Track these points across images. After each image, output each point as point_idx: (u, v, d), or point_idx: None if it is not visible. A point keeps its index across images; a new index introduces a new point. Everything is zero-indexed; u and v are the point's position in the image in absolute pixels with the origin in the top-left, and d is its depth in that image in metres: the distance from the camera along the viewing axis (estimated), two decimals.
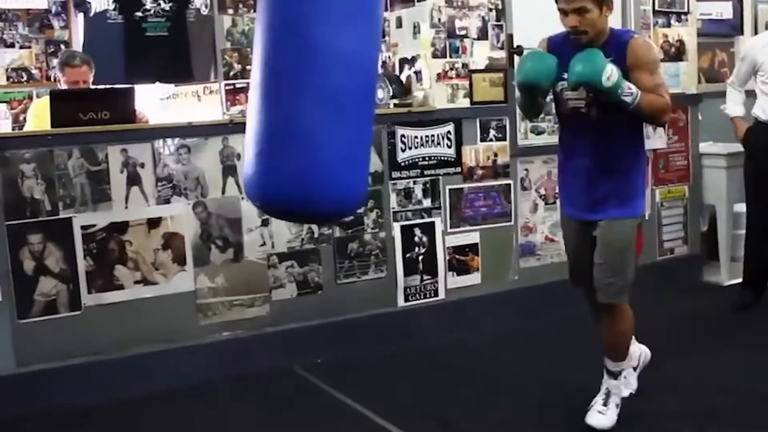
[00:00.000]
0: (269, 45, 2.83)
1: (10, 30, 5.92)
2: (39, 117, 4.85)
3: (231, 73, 6.09)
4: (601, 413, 3.69)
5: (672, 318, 5.34)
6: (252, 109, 2.89)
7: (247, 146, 2.91)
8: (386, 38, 5.71)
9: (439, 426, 3.83)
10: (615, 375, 3.76)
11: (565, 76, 3.43)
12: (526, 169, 5.44)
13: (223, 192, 4.56)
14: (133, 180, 4.36)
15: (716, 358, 4.55)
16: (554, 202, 5.52)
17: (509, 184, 5.35)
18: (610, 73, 3.27)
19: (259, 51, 2.86)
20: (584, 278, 3.72)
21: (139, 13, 6.15)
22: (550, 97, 3.71)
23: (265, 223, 4.63)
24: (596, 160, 3.56)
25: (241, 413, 4.08)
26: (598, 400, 3.74)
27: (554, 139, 5.50)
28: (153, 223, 4.41)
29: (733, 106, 5.52)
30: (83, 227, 4.25)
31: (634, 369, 3.96)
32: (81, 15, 6.02)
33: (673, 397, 4.01)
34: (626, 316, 3.71)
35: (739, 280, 5.68)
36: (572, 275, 3.84)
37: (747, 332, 4.96)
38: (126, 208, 4.35)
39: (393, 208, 4.99)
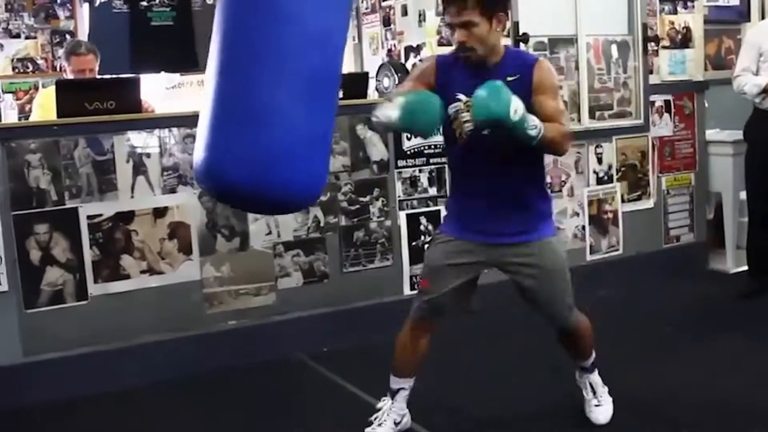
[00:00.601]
0: (234, 15, 2.70)
1: (16, 20, 5.94)
2: (45, 107, 4.86)
3: None
4: (600, 405, 3.67)
5: (677, 306, 5.34)
6: (209, 87, 2.73)
7: (201, 127, 2.74)
8: (392, 26, 5.71)
9: (447, 414, 3.83)
10: (590, 369, 3.70)
11: (461, 97, 3.00)
12: None
13: None
14: (139, 169, 4.37)
15: (722, 346, 4.55)
16: (560, 190, 5.53)
17: None
18: (517, 106, 2.96)
19: (223, 22, 2.72)
20: (444, 295, 3.43)
21: (145, 3, 6.16)
22: None
23: None
24: (500, 181, 3.30)
25: (248, 402, 4.09)
26: (589, 396, 3.70)
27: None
28: (159, 212, 4.41)
29: (754, 80, 5.31)
30: (89, 217, 4.26)
31: (396, 424, 3.57)
32: (86, 5, 6.03)
33: (678, 384, 4.01)
34: (584, 323, 3.60)
35: (745, 267, 5.68)
36: (433, 296, 3.44)
37: (753, 320, 4.96)
38: (132, 197, 4.35)
39: (399, 196, 4.99)
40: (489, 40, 3.19)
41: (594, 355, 3.70)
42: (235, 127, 2.65)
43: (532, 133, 3.01)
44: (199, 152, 2.74)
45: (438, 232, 3.55)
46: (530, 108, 3.09)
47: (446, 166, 5.00)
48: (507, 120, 2.93)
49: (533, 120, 3.02)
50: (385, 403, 3.57)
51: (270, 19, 2.63)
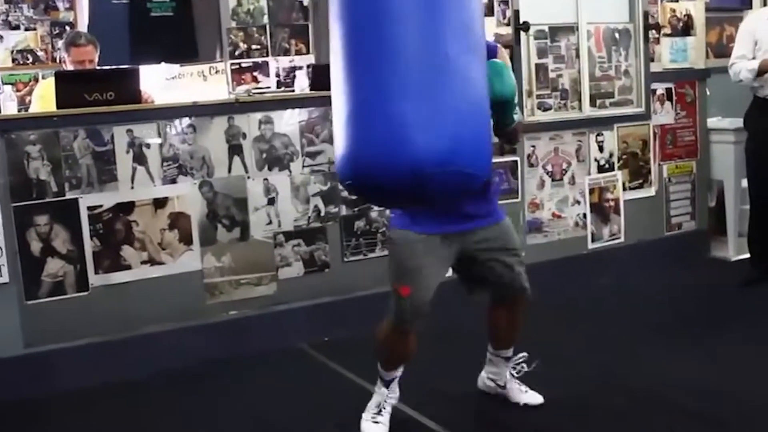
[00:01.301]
0: None
1: (15, 12, 5.92)
2: (44, 98, 4.85)
3: (236, 53, 6.08)
4: (528, 391, 3.74)
5: (679, 294, 5.34)
6: (368, 56, 2.45)
7: (374, 94, 2.41)
8: None
9: (446, 402, 3.84)
10: (512, 358, 3.74)
11: None
12: (533, 146, 5.43)
13: (229, 171, 4.56)
14: (139, 160, 4.37)
15: (723, 334, 4.55)
16: (561, 178, 5.52)
17: (516, 161, 5.33)
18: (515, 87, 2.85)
19: None
20: (430, 296, 3.35)
21: None
22: None
23: (271, 202, 4.64)
24: None
25: (249, 392, 4.09)
26: (516, 386, 3.74)
27: (561, 115, 5.52)
28: (159, 203, 4.42)
29: (748, 65, 5.31)
30: (90, 208, 4.26)
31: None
32: None
33: (678, 372, 4.01)
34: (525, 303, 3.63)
35: (747, 255, 5.68)
36: (421, 300, 3.32)
37: (753, 308, 4.95)
38: (132, 188, 4.35)
39: None
40: None
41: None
42: (425, 89, 2.39)
43: (516, 117, 2.92)
44: (358, 143, 2.46)
45: (405, 231, 3.30)
46: None
47: None
48: (512, 100, 2.83)
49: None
50: (380, 391, 3.58)
51: None
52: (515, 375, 3.75)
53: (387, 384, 3.57)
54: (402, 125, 2.39)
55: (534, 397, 3.72)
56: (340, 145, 2.57)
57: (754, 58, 5.28)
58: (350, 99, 2.51)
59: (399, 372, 3.57)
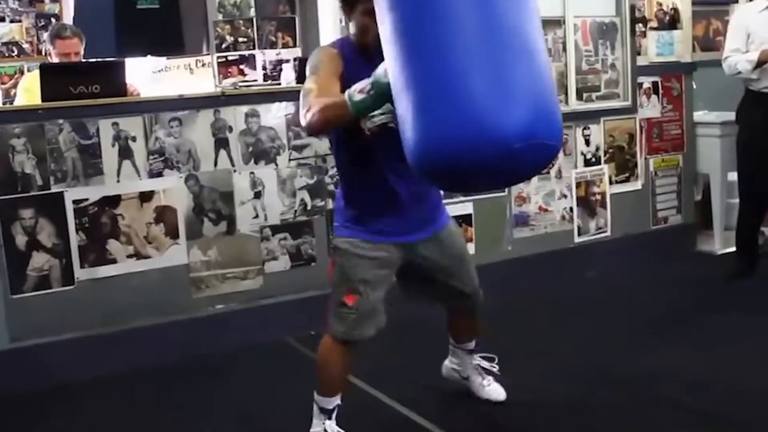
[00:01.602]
0: None
1: (0, 4, 5.89)
2: (29, 91, 4.83)
3: (223, 46, 6.06)
4: (491, 384, 3.72)
5: (665, 287, 5.35)
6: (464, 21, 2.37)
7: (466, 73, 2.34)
8: None
9: (433, 396, 3.84)
10: (476, 350, 3.72)
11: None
12: None
13: (216, 165, 4.55)
14: (125, 153, 4.35)
15: (708, 326, 4.57)
16: (547, 172, 5.51)
17: None
18: None
19: None
20: (376, 302, 3.24)
21: None
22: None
23: (257, 196, 4.63)
24: (405, 175, 2.95)
25: (235, 386, 4.09)
26: (477, 378, 3.73)
27: None
28: (145, 196, 4.40)
29: (746, 56, 5.24)
30: (75, 201, 4.24)
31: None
32: None
33: (664, 364, 4.02)
34: None
35: (733, 248, 5.69)
36: (367, 307, 3.21)
37: (740, 300, 4.97)
38: (118, 182, 4.34)
39: None
40: None
41: None
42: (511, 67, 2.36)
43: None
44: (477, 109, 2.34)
45: (352, 240, 3.19)
46: None
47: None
48: None
49: None
50: (323, 426, 3.33)
51: None
52: (483, 368, 3.73)
53: (329, 414, 3.33)
54: (479, 105, 2.33)
55: (496, 392, 3.70)
56: (412, 135, 2.48)
57: (747, 51, 5.27)
58: (418, 86, 2.43)
59: (339, 399, 3.33)
